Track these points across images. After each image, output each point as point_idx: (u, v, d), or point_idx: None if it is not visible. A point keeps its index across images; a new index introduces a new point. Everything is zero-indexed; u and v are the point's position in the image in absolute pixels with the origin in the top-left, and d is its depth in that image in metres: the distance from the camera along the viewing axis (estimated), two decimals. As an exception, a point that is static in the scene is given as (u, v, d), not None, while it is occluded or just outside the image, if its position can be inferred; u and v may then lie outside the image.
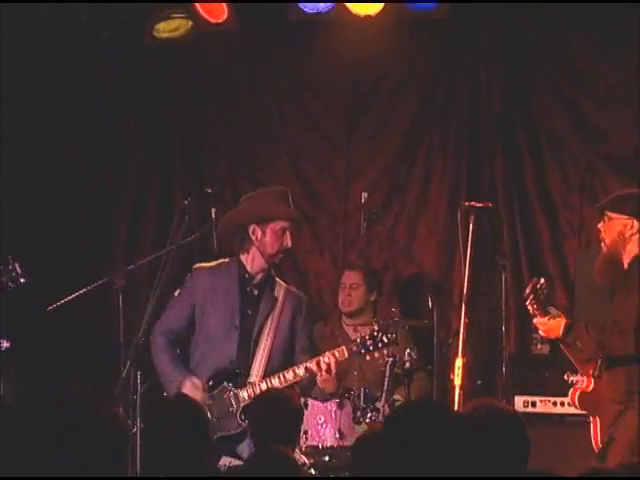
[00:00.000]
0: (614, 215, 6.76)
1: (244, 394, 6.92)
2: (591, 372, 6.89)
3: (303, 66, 9.45)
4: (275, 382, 6.90)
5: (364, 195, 8.06)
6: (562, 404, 8.00)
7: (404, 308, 8.57)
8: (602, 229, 6.82)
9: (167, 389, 6.97)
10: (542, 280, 7.09)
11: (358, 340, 7.05)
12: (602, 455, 6.59)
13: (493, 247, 8.49)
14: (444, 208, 9.19)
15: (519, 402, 8.18)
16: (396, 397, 8.01)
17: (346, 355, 6.98)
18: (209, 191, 7.13)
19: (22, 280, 7.66)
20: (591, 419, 6.92)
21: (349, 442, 7.42)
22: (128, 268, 7.64)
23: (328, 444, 7.58)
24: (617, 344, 6.60)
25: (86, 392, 4.34)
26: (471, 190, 8.97)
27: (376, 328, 7.15)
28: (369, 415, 7.64)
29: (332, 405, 7.66)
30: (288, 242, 7.09)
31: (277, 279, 7.25)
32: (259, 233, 7.09)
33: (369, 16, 8.76)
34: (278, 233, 7.08)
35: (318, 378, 6.99)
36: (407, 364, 7.93)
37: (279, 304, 7.13)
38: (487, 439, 3.94)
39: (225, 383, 6.95)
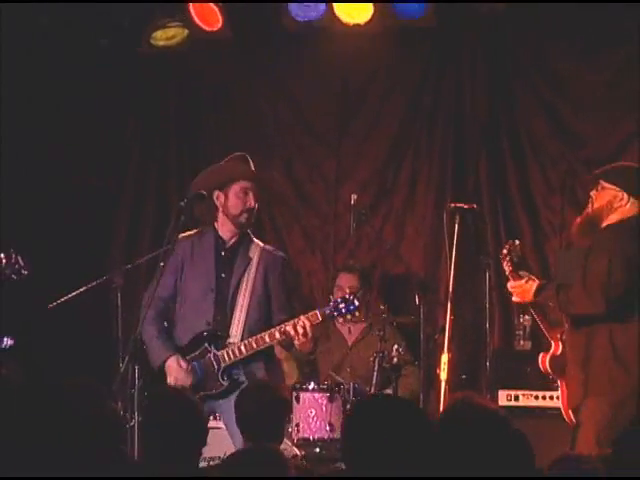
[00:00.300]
0: (607, 185, 6.71)
1: (224, 355, 6.85)
2: (558, 336, 6.84)
3: (295, 72, 9.46)
4: (253, 344, 6.80)
5: (353, 197, 8.07)
6: (543, 398, 8.04)
7: (392, 305, 8.56)
8: (594, 195, 6.77)
9: (152, 361, 6.89)
10: (517, 241, 7.14)
11: (331, 304, 6.91)
12: (572, 442, 6.56)
13: (477, 247, 8.53)
14: (430, 209, 9.19)
15: (502, 396, 8.15)
16: (388, 392, 8.03)
17: (319, 318, 6.82)
18: (204, 193, 7.13)
19: (24, 272, 7.65)
20: (559, 383, 6.87)
21: (339, 434, 7.47)
22: (126, 267, 7.66)
23: (319, 436, 7.62)
24: (584, 303, 6.53)
25: (86, 387, 4.36)
26: (456, 192, 8.96)
27: (348, 292, 7.10)
28: (358, 408, 7.67)
29: (323, 399, 7.70)
30: (251, 202, 6.97)
31: (254, 240, 7.14)
32: (222, 198, 7.00)
33: (358, 25, 8.75)
34: (239, 194, 6.96)
35: (295, 341, 6.86)
36: (395, 359, 7.97)
37: (253, 264, 7.01)
38: (467, 434, 3.91)
39: (206, 345, 6.86)
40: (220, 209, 7.04)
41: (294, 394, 7.77)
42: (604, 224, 6.72)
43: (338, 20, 8.80)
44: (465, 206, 8.02)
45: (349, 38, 8.92)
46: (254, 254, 7.04)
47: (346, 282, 8.60)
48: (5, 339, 8.05)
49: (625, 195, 6.69)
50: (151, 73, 9.51)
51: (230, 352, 6.84)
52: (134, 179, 9.74)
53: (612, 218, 6.70)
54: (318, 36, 9.07)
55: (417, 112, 9.35)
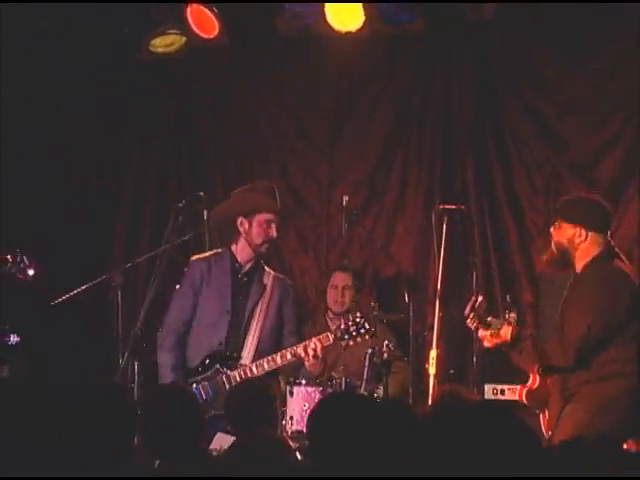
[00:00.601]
0: (564, 223, 6.60)
1: (235, 375, 6.94)
2: (536, 370, 6.77)
3: (290, 78, 9.49)
4: (265, 365, 6.91)
5: (345, 198, 8.08)
6: None
7: (382, 303, 8.48)
8: (553, 233, 6.66)
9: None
10: (480, 298, 7.00)
11: (342, 327, 7.05)
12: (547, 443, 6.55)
13: (465, 246, 8.54)
14: (420, 210, 9.19)
15: (489, 390, 8.18)
16: (379, 388, 8.03)
17: (331, 340, 7.00)
18: (201, 194, 7.16)
19: (30, 272, 7.67)
20: (541, 414, 6.80)
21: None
22: (126, 266, 7.67)
23: (312, 429, 7.63)
24: (559, 357, 6.48)
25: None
26: (444, 194, 8.97)
27: (358, 315, 7.16)
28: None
29: (315, 393, 7.68)
30: (273, 233, 7.13)
31: (265, 267, 7.26)
32: (246, 225, 7.14)
33: (350, 32, 8.74)
34: (263, 225, 7.11)
35: (305, 362, 7.00)
36: (385, 355, 7.95)
37: (268, 290, 7.17)
38: (454, 426, 3.90)
39: (218, 365, 6.95)
40: (243, 235, 7.12)
41: (288, 388, 7.76)
42: (577, 266, 6.59)
43: (330, 27, 8.76)
44: (453, 207, 8.04)
45: (341, 45, 8.92)
46: (267, 281, 7.20)
47: (341, 281, 8.63)
48: (11, 336, 8.06)
49: (583, 231, 6.55)
50: (150, 78, 9.54)
51: (242, 372, 6.97)
52: (134, 181, 9.76)
53: (580, 257, 6.56)
54: (311, 43, 9.12)
55: (406, 116, 9.36)
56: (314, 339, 6.95)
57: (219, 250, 7.27)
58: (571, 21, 8.69)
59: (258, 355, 7.00)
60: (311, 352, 6.91)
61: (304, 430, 7.64)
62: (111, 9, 8.72)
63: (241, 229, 7.13)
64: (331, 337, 7.01)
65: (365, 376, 7.94)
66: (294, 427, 7.65)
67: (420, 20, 8.68)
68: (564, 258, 6.63)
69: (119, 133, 9.66)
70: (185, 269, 7.28)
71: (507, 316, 6.75)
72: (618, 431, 6.21)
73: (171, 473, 4.47)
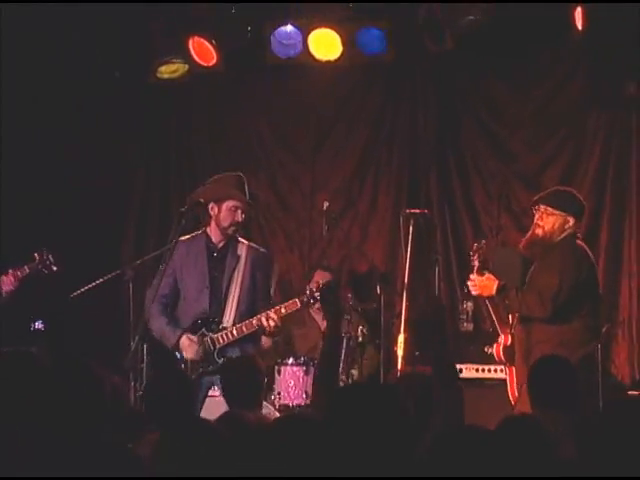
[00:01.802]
0: (554, 210, 6.64)
1: (219, 337, 6.80)
2: (508, 330, 6.83)
3: (277, 100, 9.43)
4: (244, 328, 6.76)
5: (326, 204, 8.10)
6: (482, 370, 7.97)
7: (357, 294, 8.57)
8: (539, 218, 6.68)
9: (167, 343, 6.87)
10: (483, 241, 7.07)
11: (307, 292, 6.89)
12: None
13: (428, 245, 8.55)
14: (389, 214, 9.20)
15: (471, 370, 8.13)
16: (354, 370, 8.08)
17: (298, 306, 6.82)
18: (201, 200, 7.17)
19: (54, 268, 7.69)
20: (507, 370, 6.84)
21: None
22: (136, 262, 7.66)
23: (297, 403, 7.64)
24: (535, 307, 6.56)
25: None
26: (411, 200, 9.00)
27: (322, 282, 7.10)
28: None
29: (300, 371, 7.71)
30: (239, 217, 6.92)
31: (240, 239, 7.06)
32: (216, 210, 6.89)
33: (330, 61, 8.76)
34: (230, 210, 6.90)
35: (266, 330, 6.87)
36: (360, 339, 8.01)
37: (242, 259, 6.93)
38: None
39: (203, 330, 6.81)
40: (213, 218, 7.02)
41: (276, 368, 7.81)
42: (550, 240, 6.69)
43: (313, 57, 8.77)
44: (418, 212, 8.05)
45: (322, 72, 8.94)
46: (242, 252, 6.98)
47: (321, 278, 8.54)
48: (37, 322, 8.07)
49: (571, 218, 6.66)
50: (156, 100, 9.52)
51: (224, 335, 6.78)
52: (142, 188, 9.74)
53: (558, 235, 6.68)
54: (296, 70, 9.04)
55: (378, 134, 9.36)
56: (283, 305, 6.80)
57: (196, 232, 7.06)
58: (519, 53, 8.72)
59: (238, 319, 6.83)
60: (282, 315, 6.77)
61: (290, 404, 7.71)
62: (125, 39, 8.74)
63: (212, 213, 6.93)
64: (299, 302, 6.84)
65: (343, 357, 8.00)
66: (281, 401, 7.70)
67: (390, 51, 8.66)
68: (544, 240, 6.69)
69: (129, 147, 9.66)
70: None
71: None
72: None
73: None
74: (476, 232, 9.02)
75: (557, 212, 6.67)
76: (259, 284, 6.99)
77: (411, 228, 7.83)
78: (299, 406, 7.57)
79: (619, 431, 3.46)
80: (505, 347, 6.87)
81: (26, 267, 7.73)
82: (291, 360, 7.82)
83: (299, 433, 3.27)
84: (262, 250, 7.19)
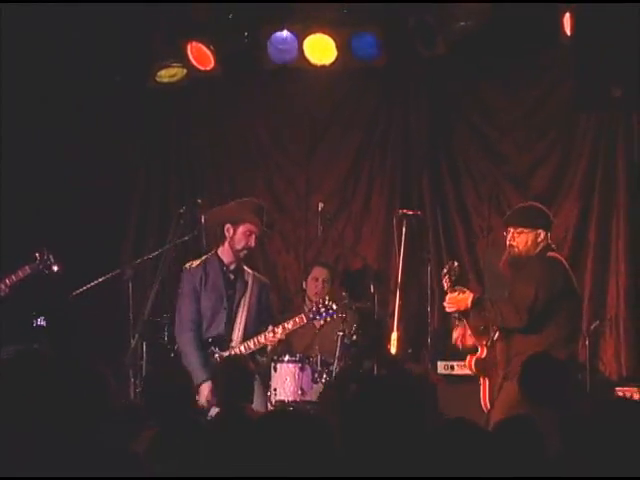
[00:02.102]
0: (525, 229, 6.64)
1: (226, 355, 6.96)
2: (484, 342, 6.84)
3: (273, 104, 9.44)
4: (250, 344, 6.92)
5: (320, 205, 8.15)
6: None
7: (352, 293, 8.46)
8: (513, 239, 6.67)
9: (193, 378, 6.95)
10: (455, 263, 7.05)
11: (313, 309, 7.06)
12: (486, 419, 6.54)
13: (421, 245, 8.52)
14: (383, 215, 9.23)
15: (441, 366, 8.17)
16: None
17: (305, 321, 6.99)
18: (199, 202, 7.21)
19: (55, 268, 7.72)
20: (481, 381, 6.86)
21: (308, 397, 7.55)
22: (136, 262, 7.69)
23: (292, 399, 7.64)
24: (512, 317, 6.56)
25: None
26: (404, 201, 8.99)
27: (327, 299, 7.20)
28: (324, 376, 7.71)
29: (295, 368, 7.70)
30: (252, 243, 7.08)
31: (245, 267, 7.22)
32: (231, 231, 7.05)
33: (324, 65, 8.76)
34: (245, 234, 7.04)
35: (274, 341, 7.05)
36: (354, 337, 8.03)
37: (249, 285, 7.11)
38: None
39: (212, 348, 6.97)
40: (227, 239, 7.10)
41: (272, 364, 7.83)
42: (525, 254, 6.69)
43: (308, 61, 8.79)
44: (411, 213, 8.07)
45: (317, 76, 8.94)
46: (248, 278, 7.15)
47: (319, 274, 8.52)
48: (39, 319, 8.10)
49: (542, 232, 6.67)
50: (156, 103, 9.53)
51: (232, 352, 6.95)
52: (142, 189, 9.75)
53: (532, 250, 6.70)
54: (292, 74, 9.05)
55: (372, 137, 9.37)
56: (290, 321, 6.97)
57: (208, 256, 7.16)
58: (510, 58, 8.73)
59: (244, 338, 7.02)
60: (288, 330, 6.95)
61: (285, 400, 7.72)
62: (124, 44, 8.76)
63: (227, 234, 7.07)
64: (305, 318, 7.02)
65: (337, 354, 7.99)
66: (277, 397, 7.69)
67: (383, 56, 8.66)
68: (521, 257, 6.69)
69: (129, 148, 9.67)
70: (183, 274, 7.15)
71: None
72: None
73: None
74: (467, 232, 9.07)
75: (526, 230, 6.66)
76: (264, 310, 7.18)
77: (404, 228, 7.86)
78: (294, 402, 7.59)
79: (604, 430, 3.49)
80: (478, 359, 6.88)
81: (27, 267, 7.76)
82: (287, 357, 7.83)
83: (294, 429, 3.29)
84: (265, 280, 7.41)
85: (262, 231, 7.07)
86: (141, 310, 7.09)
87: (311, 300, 8.54)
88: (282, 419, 3.33)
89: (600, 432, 3.47)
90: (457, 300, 6.83)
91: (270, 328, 6.97)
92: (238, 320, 7.06)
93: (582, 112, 8.52)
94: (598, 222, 8.66)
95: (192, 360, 6.85)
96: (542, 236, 6.68)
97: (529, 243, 6.66)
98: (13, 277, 7.73)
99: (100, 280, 7.65)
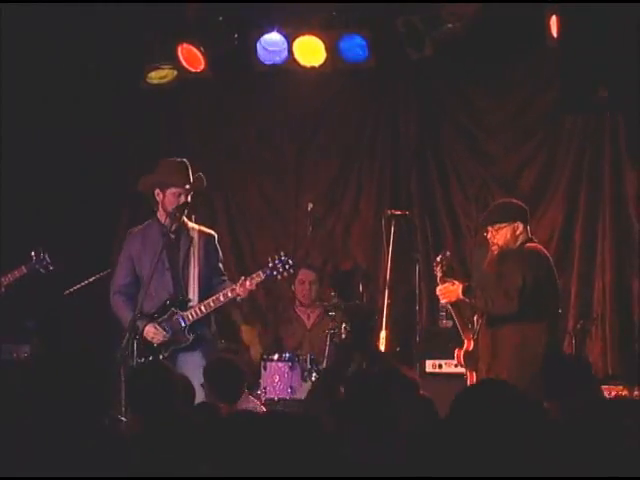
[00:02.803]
0: (500, 225, 6.64)
1: (188, 315, 6.92)
2: (471, 336, 6.86)
3: (263, 106, 9.44)
4: (211, 303, 6.89)
5: (310, 205, 8.20)
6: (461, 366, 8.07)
7: (341, 292, 8.53)
8: (493, 237, 6.69)
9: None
10: (448, 253, 7.10)
11: (270, 265, 6.93)
12: None
13: (409, 245, 8.58)
14: (371, 215, 9.22)
15: (429, 365, 8.15)
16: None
17: (262, 277, 6.89)
18: (188, 202, 7.21)
19: (50, 267, 7.73)
20: (468, 374, 6.90)
21: (298, 395, 7.58)
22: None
23: (281, 397, 7.67)
24: (502, 302, 6.55)
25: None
26: (392, 202, 9.02)
27: (282, 254, 7.05)
28: (313, 374, 7.75)
29: (285, 367, 7.74)
30: (182, 201, 7.00)
31: (189, 223, 7.13)
32: (161, 196, 7.03)
33: (314, 67, 8.79)
34: (175, 195, 7.00)
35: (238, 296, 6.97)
36: (343, 335, 8.06)
37: (195, 241, 7.05)
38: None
39: (172, 309, 6.91)
40: (159, 203, 7.08)
41: (262, 363, 7.84)
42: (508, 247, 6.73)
43: (297, 63, 8.81)
44: (399, 213, 8.12)
45: (306, 77, 8.94)
46: (194, 234, 7.08)
47: (305, 277, 8.51)
48: (29, 322, 8.13)
49: (519, 224, 6.68)
50: (147, 104, 9.52)
51: (193, 312, 6.91)
52: (132, 189, 9.73)
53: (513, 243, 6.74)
54: (281, 76, 9.06)
55: (361, 138, 9.40)
56: (248, 278, 6.88)
57: (149, 221, 7.15)
58: (497, 59, 8.77)
59: (201, 296, 6.96)
60: (248, 288, 6.88)
61: (275, 398, 7.74)
62: (118, 46, 8.80)
63: (158, 199, 7.04)
64: (262, 275, 6.94)
65: (327, 353, 8.03)
66: (267, 395, 7.72)
67: (372, 57, 8.67)
68: (503, 252, 6.70)
69: (121, 149, 9.68)
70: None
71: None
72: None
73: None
74: (455, 232, 9.10)
75: (503, 224, 6.67)
76: (212, 262, 7.09)
77: (392, 228, 7.91)
78: (284, 400, 7.62)
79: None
80: (466, 352, 6.90)
81: (23, 267, 7.77)
82: (276, 356, 7.87)
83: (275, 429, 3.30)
84: (211, 232, 7.23)
85: (187, 190, 7.01)
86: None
87: (301, 303, 8.57)
88: (272, 420, 3.34)
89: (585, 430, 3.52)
90: (449, 291, 6.83)
91: (229, 286, 6.90)
92: (190, 278, 7.01)
93: (568, 113, 8.57)
94: (584, 222, 8.70)
95: (123, 321, 6.90)
96: (520, 228, 6.67)
97: (508, 236, 6.66)
98: (9, 277, 7.74)
99: (92, 279, 7.65)
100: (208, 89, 9.35)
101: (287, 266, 6.95)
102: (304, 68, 8.85)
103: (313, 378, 7.69)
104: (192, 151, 9.60)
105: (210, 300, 6.92)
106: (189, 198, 7.04)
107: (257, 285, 6.98)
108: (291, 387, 7.67)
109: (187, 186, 7.01)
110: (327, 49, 8.70)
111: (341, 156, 9.51)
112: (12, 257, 7.92)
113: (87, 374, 3.90)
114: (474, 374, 6.86)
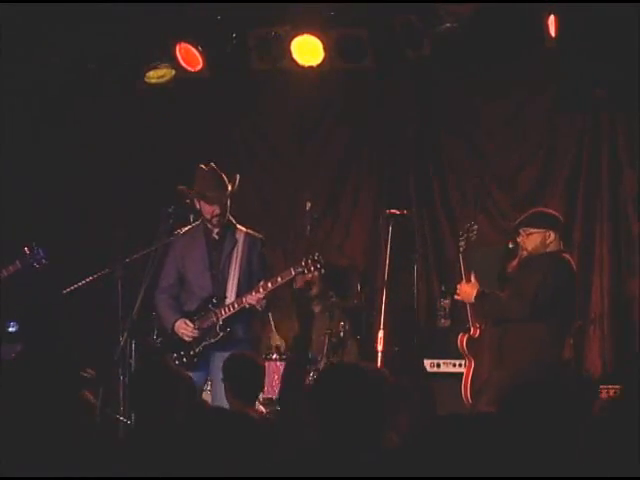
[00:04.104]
0: (533, 230, 6.73)
1: (222, 310, 7.06)
2: (478, 325, 6.94)
3: (261, 105, 9.45)
4: (243, 299, 7.02)
5: (308, 204, 8.18)
6: (460, 365, 7.79)
7: (339, 292, 8.59)
8: (523, 241, 6.77)
9: (166, 328, 7.22)
10: (475, 225, 7.17)
11: (302, 263, 7.08)
12: (474, 404, 6.66)
13: (407, 245, 8.59)
14: (370, 214, 9.26)
15: (427, 364, 8.21)
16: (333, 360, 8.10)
17: (292, 274, 7.07)
18: (187, 202, 7.23)
19: (44, 261, 7.73)
20: (467, 362, 6.95)
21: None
22: (125, 261, 7.71)
23: (279, 396, 7.71)
24: (514, 307, 6.62)
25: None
26: (390, 201, 8.97)
27: (316, 254, 7.20)
28: (312, 374, 7.76)
29: (283, 366, 7.78)
30: (217, 211, 7.16)
31: (238, 226, 7.32)
32: (198, 205, 7.22)
33: (312, 66, 8.81)
34: (209, 208, 7.17)
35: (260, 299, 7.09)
36: (341, 334, 8.06)
37: (240, 243, 7.22)
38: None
39: (209, 306, 7.08)
40: (201, 210, 7.23)
41: (261, 363, 7.85)
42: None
43: (295, 62, 8.81)
44: (397, 213, 8.10)
45: (304, 77, 8.96)
46: (240, 236, 7.24)
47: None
48: (10, 324, 8.15)
49: (552, 233, 6.73)
50: (145, 103, 9.52)
51: (226, 308, 7.05)
52: (131, 188, 9.76)
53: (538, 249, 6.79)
54: (279, 75, 9.09)
55: (359, 137, 9.41)
56: (279, 275, 7.05)
57: (197, 222, 7.35)
58: (496, 59, 8.75)
59: (238, 295, 7.11)
60: (277, 284, 7.04)
61: (273, 398, 7.77)
62: (116, 45, 8.80)
63: (198, 206, 7.23)
64: (293, 271, 7.07)
65: (325, 352, 8.03)
66: (265, 395, 7.74)
67: (370, 56, 8.68)
68: (531, 257, 6.74)
69: (119, 148, 9.68)
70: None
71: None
72: None
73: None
74: (453, 232, 9.05)
75: (535, 230, 6.74)
76: (255, 266, 7.24)
77: (390, 228, 7.88)
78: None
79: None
80: (470, 338, 6.99)
81: (17, 262, 7.75)
82: (275, 355, 7.87)
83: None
84: (259, 236, 7.39)
85: (226, 200, 7.17)
86: (130, 309, 7.07)
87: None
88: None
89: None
90: (464, 290, 6.91)
91: (261, 283, 7.03)
92: (230, 279, 7.18)
93: (567, 112, 8.56)
94: (582, 222, 8.70)
95: (165, 321, 7.18)
96: (552, 237, 6.74)
97: (538, 243, 6.73)
98: (4, 272, 7.72)
99: (90, 278, 7.64)
100: (206, 88, 9.32)
101: (318, 265, 7.11)
102: (302, 67, 8.85)
103: (311, 377, 7.68)
104: (190, 150, 9.65)
105: (243, 297, 7.06)
106: (227, 206, 7.19)
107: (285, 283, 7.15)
108: (289, 387, 7.66)
109: (222, 202, 7.16)
110: (325, 48, 8.70)
111: (339, 155, 9.52)
112: (12, 257, 7.90)
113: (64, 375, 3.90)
114: (473, 362, 6.86)
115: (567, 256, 6.84)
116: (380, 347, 7.66)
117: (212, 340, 7.04)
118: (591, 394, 7.51)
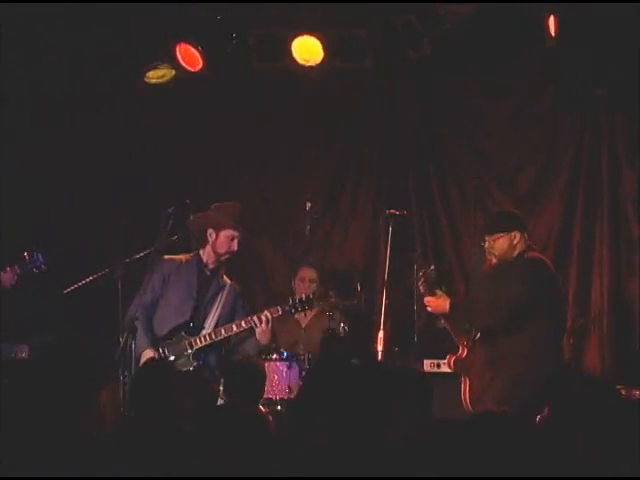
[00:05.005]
0: (499, 235, 6.75)
1: (197, 340, 7.05)
2: (465, 343, 6.94)
3: (261, 105, 9.44)
4: (222, 330, 7.02)
5: (308, 205, 8.18)
6: None
7: (339, 292, 8.56)
8: (490, 247, 6.81)
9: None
10: (432, 267, 7.20)
11: (290, 302, 7.13)
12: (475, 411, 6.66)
13: (407, 245, 8.55)
14: (369, 215, 9.27)
15: (427, 364, 8.16)
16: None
17: (279, 312, 7.08)
18: (188, 202, 7.22)
19: (43, 267, 7.72)
20: (462, 380, 6.95)
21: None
22: (126, 261, 7.71)
23: (280, 397, 7.66)
24: (493, 318, 6.66)
25: None
26: (390, 201, 8.95)
27: (304, 295, 7.30)
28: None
29: (283, 366, 7.74)
30: (234, 247, 7.22)
31: (224, 276, 7.36)
32: (214, 236, 7.22)
33: (312, 66, 8.81)
34: (228, 238, 7.21)
35: (257, 330, 7.09)
36: (341, 335, 8.05)
37: (227, 287, 7.25)
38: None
39: (182, 333, 7.05)
40: (210, 243, 7.23)
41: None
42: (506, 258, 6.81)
43: (295, 62, 8.81)
44: (397, 213, 8.10)
45: (304, 77, 8.95)
46: (227, 282, 7.29)
47: (306, 274, 8.58)
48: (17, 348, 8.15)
49: (517, 233, 6.75)
50: (144, 103, 9.51)
51: (201, 338, 7.05)
52: (131, 189, 9.75)
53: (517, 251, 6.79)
54: (282, 75, 9.07)
55: (359, 137, 9.39)
56: (265, 311, 7.05)
57: (190, 255, 7.33)
58: (496, 59, 8.73)
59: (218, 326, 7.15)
60: (263, 319, 7.01)
61: (273, 398, 7.73)
62: (117, 46, 8.80)
63: (210, 238, 7.22)
64: (280, 309, 7.10)
65: (324, 352, 8.02)
66: (265, 395, 7.71)
67: (370, 56, 8.70)
68: (501, 263, 6.77)
69: (119, 148, 9.68)
70: (160, 262, 7.27)
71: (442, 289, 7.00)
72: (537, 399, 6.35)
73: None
74: (453, 232, 9.10)
75: (500, 234, 6.77)
76: (239, 313, 7.25)
77: (390, 228, 7.89)
78: (282, 400, 7.60)
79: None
80: (457, 359, 7.02)
81: (16, 267, 7.75)
82: (275, 356, 7.85)
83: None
84: (238, 287, 7.41)
85: (244, 234, 7.13)
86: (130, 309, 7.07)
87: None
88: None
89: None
90: (436, 303, 7.01)
91: (245, 317, 7.07)
92: (211, 313, 7.19)
93: (567, 112, 8.57)
94: (582, 221, 8.71)
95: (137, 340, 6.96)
96: (517, 238, 6.76)
97: (505, 246, 6.76)
98: (4, 278, 7.70)
99: (90, 279, 7.65)
100: (206, 88, 9.30)
101: (306, 306, 7.23)
102: (302, 67, 8.84)
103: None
104: (189, 150, 9.66)
105: (222, 327, 7.06)
106: (238, 246, 7.21)
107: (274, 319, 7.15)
108: (289, 387, 7.66)
109: (242, 231, 7.21)
110: (325, 48, 8.70)
111: (339, 155, 9.53)
112: (7, 257, 7.89)
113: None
114: (467, 379, 6.88)
115: (537, 255, 6.83)
116: (380, 347, 7.66)
117: (184, 369, 6.98)
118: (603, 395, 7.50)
